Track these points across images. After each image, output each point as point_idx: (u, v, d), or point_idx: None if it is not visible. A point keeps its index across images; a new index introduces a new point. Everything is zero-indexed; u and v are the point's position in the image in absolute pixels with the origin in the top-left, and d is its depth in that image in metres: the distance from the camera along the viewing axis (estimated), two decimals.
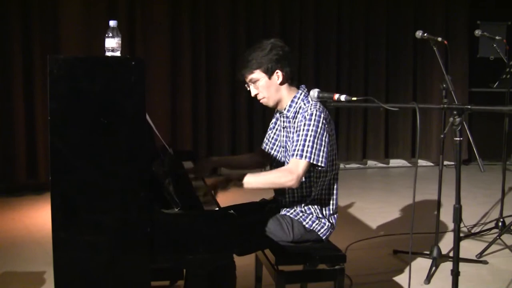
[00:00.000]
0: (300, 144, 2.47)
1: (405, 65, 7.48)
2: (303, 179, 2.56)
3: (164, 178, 2.21)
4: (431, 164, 7.65)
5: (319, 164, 2.47)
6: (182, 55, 6.54)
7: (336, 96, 2.12)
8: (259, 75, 2.58)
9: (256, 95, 2.63)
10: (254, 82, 2.60)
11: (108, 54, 2.01)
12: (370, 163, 7.68)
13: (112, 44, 2.01)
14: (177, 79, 6.55)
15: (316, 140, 2.46)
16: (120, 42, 2.03)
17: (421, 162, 7.67)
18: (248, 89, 2.65)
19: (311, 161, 2.46)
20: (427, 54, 7.32)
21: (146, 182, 1.93)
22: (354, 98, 2.09)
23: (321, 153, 2.47)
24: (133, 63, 1.89)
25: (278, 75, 2.58)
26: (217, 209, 2.26)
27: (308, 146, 2.46)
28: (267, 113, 6.20)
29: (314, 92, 2.21)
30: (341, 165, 7.49)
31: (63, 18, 5.90)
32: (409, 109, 2.32)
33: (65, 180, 1.89)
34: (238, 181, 2.49)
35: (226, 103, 6.77)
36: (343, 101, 2.11)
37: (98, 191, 1.91)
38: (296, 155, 2.47)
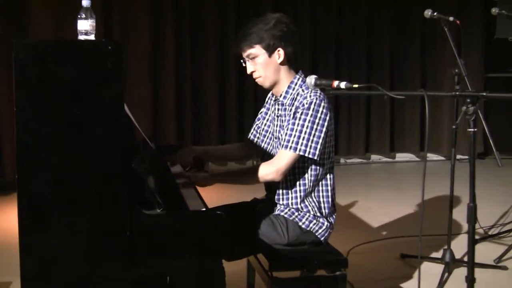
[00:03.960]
0: (294, 135, 2.49)
1: (412, 49, 7.51)
2: (296, 173, 2.60)
3: (145, 176, 2.22)
4: (442, 158, 7.69)
5: (315, 157, 2.51)
6: (165, 39, 6.53)
7: (336, 83, 2.12)
8: (258, 50, 2.58)
9: (252, 72, 2.64)
10: (252, 58, 2.60)
11: (81, 37, 2.01)
12: (374, 157, 7.71)
13: (85, 26, 2.01)
14: (160, 66, 6.55)
15: (313, 132, 2.48)
16: (94, 24, 2.03)
17: (431, 156, 7.70)
18: (244, 65, 2.66)
19: (305, 154, 2.49)
20: (437, 36, 7.34)
21: (125, 180, 1.93)
22: (356, 85, 2.10)
23: (318, 146, 2.49)
24: (109, 47, 1.89)
25: (279, 54, 2.59)
26: (204, 209, 2.27)
27: (303, 138, 2.48)
28: (259, 102, 6.22)
29: (311, 79, 2.21)
30: (342, 160, 7.52)
31: None
32: (417, 97, 2.33)
33: (34, 179, 1.89)
34: (219, 177, 2.60)
35: (214, 92, 6.78)
36: (343, 89, 2.11)
37: (71, 190, 1.91)
38: (285, 146, 2.51)
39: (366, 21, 7.34)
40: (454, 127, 3.50)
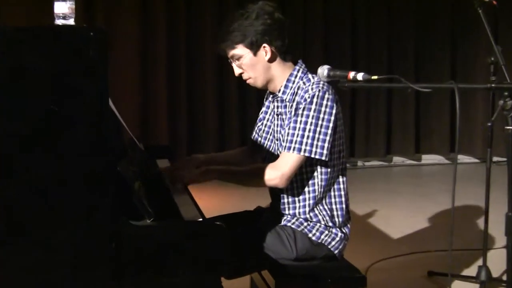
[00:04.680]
0: (297, 134, 2.50)
1: (440, 35, 7.50)
2: (303, 178, 2.61)
3: (133, 181, 2.22)
4: (476, 160, 7.69)
5: (322, 158, 2.52)
6: (156, 26, 6.55)
7: (352, 74, 2.13)
8: (242, 50, 2.60)
9: (240, 74, 2.66)
10: (237, 59, 2.62)
11: (59, 22, 2.02)
12: (396, 160, 7.72)
13: (63, 9, 2.02)
14: (150, 57, 6.57)
15: (318, 129, 2.49)
16: (73, 7, 2.03)
17: (462, 158, 7.71)
18: (232, 65, 2.68)
19: (311, 155, 2.50)
20: (469, 20, 7.33)
21: (110, 186, 1.94)
22: (375, 77, 2.11)
23: (326, 145, 2.50)
24: (91, 34, 1.89)
25: (265, 51, 2.60)
26: (200, 220, 2.28)
27: (308, 136, 2.49)
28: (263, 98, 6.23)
29: (323, 70, 2.22)
30: (359, 163, 7.53)
31: None
32: (446, 90, 2.34)
33: (6, 186, 1.89)
34: (215, 174, 2.58)
35: (211, 88, 6.80)
36: (360, 81, 2.12)
37: (48, 198, 1.91)
38: (288, 147, 2.52)
39: (386, 5, 7.34)
40: (489, 124, 3.50)
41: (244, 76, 2.66)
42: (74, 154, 1.91)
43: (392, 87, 2.20)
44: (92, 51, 1.89)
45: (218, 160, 3.03)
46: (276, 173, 2.52)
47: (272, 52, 2.60)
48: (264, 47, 2.59)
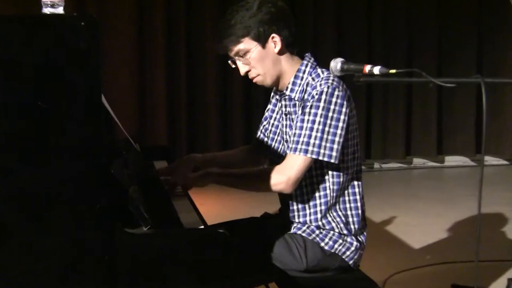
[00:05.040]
0: (304, 135, 2.50)
1: (466, 25, 7.48)
2: (313, 182, 2.61)
3: (128, 185, 2.23)
4: (504, 162, 7.68)
5: (331, 160, 2.51)
6: (153, 16, 6.55)
7: (368, 67, 2.13)
8: (248, 44, 2.58)
9: (247, 72, 2.65)
10: (243, 55, 2.61)
11: (46, 11, 2.02)
12: (417, 161, 7.71)
13: None
14: (147, 50, 6.58)
15: (327, 129, 2.49)
16: None
17: (490, 160, 7.69)
18: (234, 66, 2.66)
19: (319, 157, 2.49)
20: (498, 9, 7.31)
21: (103, 190, 1.94)
22: (393, 71, 2.11)
23: (335, 146, 2.50)
24: (82, 23, 1.89)
25: (275, 41, 2.59)
26: (202, 227, 2.28)
27: (315, 137, 2.48)
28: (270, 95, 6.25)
29: (337, 63, 2.22)
30: (376, 165, 7.52)
31: None
32: (472, 85, 2.34)
33: None
34: (216, 177, 2.58)
35: (214, 84, 6.80)
36: (377, 75, 2.12)
37: (36, 203, 1.92)
38: (294, 149, 2.51)
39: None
40: None
41: (251, 74, 2.64)
42: (62, 155, 1.92)
43: (412, 82, 2.21)
44: (82, 41, 1.89)
45: (218, 160, 3.03)
46: (281, 177, 2.51)
47: (281, 42, 2.59)
48: (273, 37, 2.58)
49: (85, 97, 1.91)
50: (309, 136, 2.49)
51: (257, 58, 2.60)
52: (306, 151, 2.49)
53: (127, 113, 6.37)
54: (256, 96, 6.85)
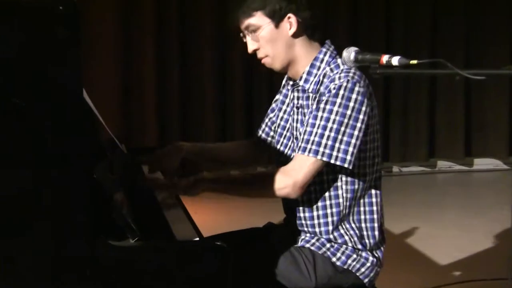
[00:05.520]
0: (316, 133, 2.49)
1: (496, 11, 7.47)
2: (325, 188, 2.61)
3: (113, 191, 2.24)
4: None
5: (345, 165, 2.50)
6: (141, 4, 6.57)
7: (385, 58, 2.13)
8: (260, 20, 2.59)
9: (254, 51, 2.65)
10: (253, 31, 2.61)
11: None
12: (442, 164, 7.71)
13: None
14: (133, 39, 6.59)
15: (343, 129, 2.47)
16: None
17: None
18: (245, 40, 2.67)
19: (331, 160, 2.48)
20: None
21: (84, 197, 1.95)
22: (414, 61, 2.10)
23: (350, 149, 2.49)
24: (61, 7, 1.89)
25: (290, 22, 2.59)
26: (197, 239, 2.29)
27: (328, 137, 2.47)
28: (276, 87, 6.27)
29: (350, 53, 2.22)
30: (395, 169, 7.52)
31: None
32: (504, 78, 2.34)
33: None
34: (210, 184, 2.55)
35: (211, 74, 6.81)
36: (396, 66, 2.12)
37: (8, 211, 1.92)
38: (303, 148, 2.50)
39: None
40: None
41: (260, 54, 2.64)
42: (39, 157, 1.92)
43: (436, 74, 2.20)
44: (61, 29, 1.89)
45: (211, 152, 3.02)
46: (287, 180, 2.50)
47: (298, 25, 2.59)
48: (289, 17, 2.58)
49: (63, 91, 1.91)
50: (322, 136, 2.48)
51: (268, 37, 2.60)
52: (316, 152, 2.48)
53: (112, 110, 6.37)
54: (259, 95, 6.85)
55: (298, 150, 2.52)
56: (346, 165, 2.49)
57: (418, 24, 7.36)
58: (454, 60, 7.08)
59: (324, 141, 2.47)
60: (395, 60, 2.12)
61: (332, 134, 2.47)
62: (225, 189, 2.68)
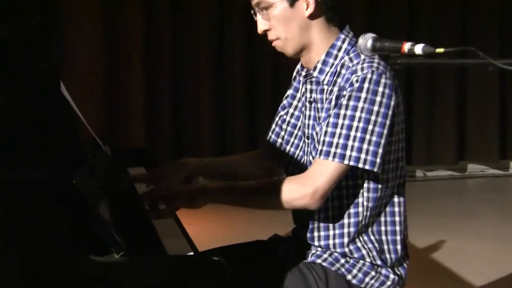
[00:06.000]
0: (339, 135, 2.47)
1: None
2: (343, 195, 2.60)
3: (95, 199, 2.23)
4: None
5: (374, 169, 2.48)
6: None
7: (407, 46, 2.12)
8: None
9: (265, 32, 2.65)
10: (265, 8, 2.61)
11: None
12: (473, 168, 7.73)
13: None
14: (119, 27, 6.63)
15: (371, 128, 2.46)
16: None
17: None
18: (255, 18, 2.67)
19: (358, 165, 2.46)
20: None
21: (61, 207, 1.94)
22: (441, 50, 2.09)
23: (379, 151, 2.47)
24: None
25: (307, 1, 2.58)
26: (191, 254, 2.28)
27: (354, 138, 2.46)
28: (281, 91, 6.32)
29: (366, 40, 2.22)
30: (419, 173, 7.53)
31: None
32: None
33: None
34: (216, 194, 2.56)
35: (208, 71, 6.84)
36: (420, 55, 2.11)
37: None
38: (325, 153, 2.48)
39: None
40: None
41: (271, 36, 2.64)
42: (11, 161, 1.92)
43: (466, 64, 2.18)
44: (35, 16, 1.90)
45: (218, 168, 3.03)
46: (306, 189, 2.48)
47: (316, 5, 2.58)
48: None
49: (37, 83, 1.91)
50: (347, 137, 2.46)
51: (280, 17, 2.59)
52: (342, 157, 2.45)
53: (95, 107, 6.39)
54: (262, 95, 6.87)
55: (319, 154, 2.50)
56: (375, 169, 2.48)
57: (446, 7, 7.36)
58: (486, 47, 7.16)
59: (350, 143, 2.45)
60: (419, 49, 2.11)
61: (359, 134, 2.45)
62: (234, 200, 2.71)
